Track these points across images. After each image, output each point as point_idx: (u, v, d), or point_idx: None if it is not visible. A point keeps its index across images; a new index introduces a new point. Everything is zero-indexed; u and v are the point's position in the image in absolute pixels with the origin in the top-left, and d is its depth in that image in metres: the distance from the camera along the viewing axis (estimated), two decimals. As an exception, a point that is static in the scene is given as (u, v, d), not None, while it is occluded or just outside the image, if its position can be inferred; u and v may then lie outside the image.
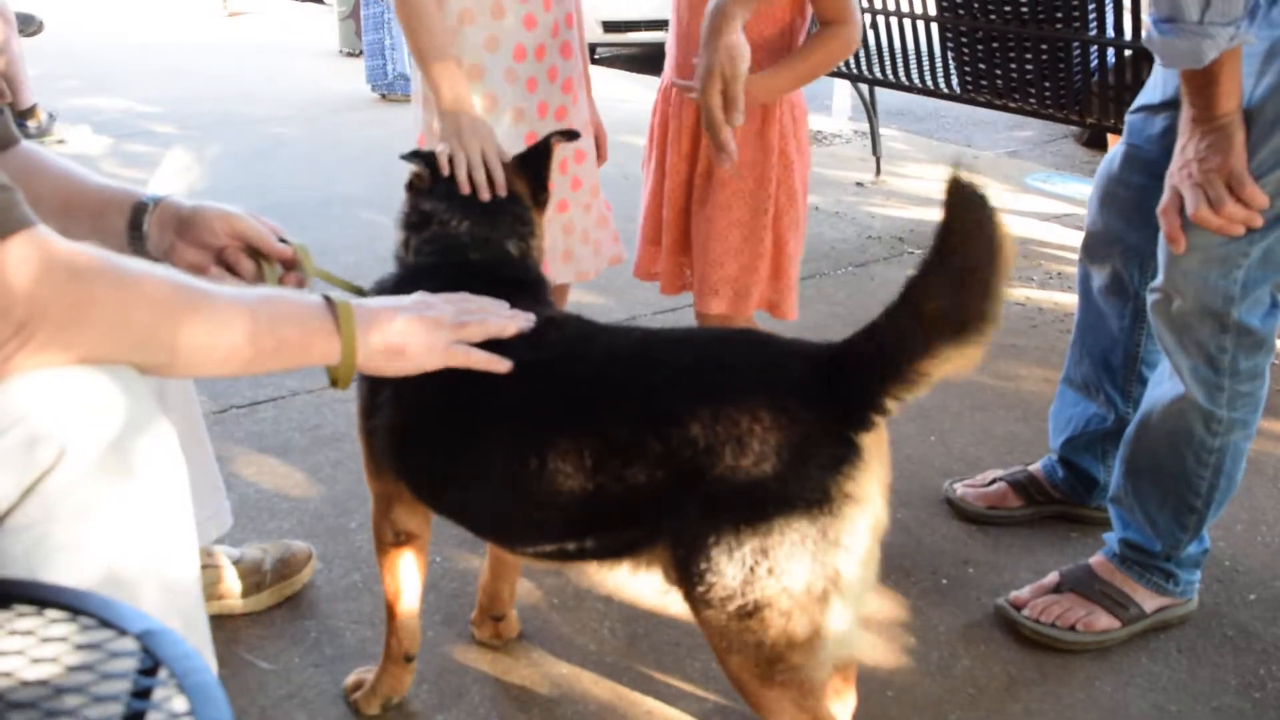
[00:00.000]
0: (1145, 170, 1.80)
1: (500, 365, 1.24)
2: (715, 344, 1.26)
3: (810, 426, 1.11)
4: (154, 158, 5.17)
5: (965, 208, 1.05)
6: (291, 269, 1.41)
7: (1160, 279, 1.63)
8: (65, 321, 0.98)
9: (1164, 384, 1.71)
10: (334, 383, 1.21)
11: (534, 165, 1.54)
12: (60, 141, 5.53)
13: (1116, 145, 1.88)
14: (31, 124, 5.47)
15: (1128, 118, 1.86)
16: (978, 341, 1.06)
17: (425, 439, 1.32)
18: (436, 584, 1.87)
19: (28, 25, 5.86)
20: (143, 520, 1.01)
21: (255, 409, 2.54)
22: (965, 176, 1.05)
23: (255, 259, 1.39)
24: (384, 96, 6.60)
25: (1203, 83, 1.43)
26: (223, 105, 6.53)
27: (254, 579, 1.81)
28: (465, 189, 1.49)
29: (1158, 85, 1.79)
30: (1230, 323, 1.59)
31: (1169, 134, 1.76)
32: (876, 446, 1.15)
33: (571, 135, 1.58)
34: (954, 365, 1.08)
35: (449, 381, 1.24)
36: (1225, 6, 1.35)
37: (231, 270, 1.38)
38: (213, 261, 1.38)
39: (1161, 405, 1.71)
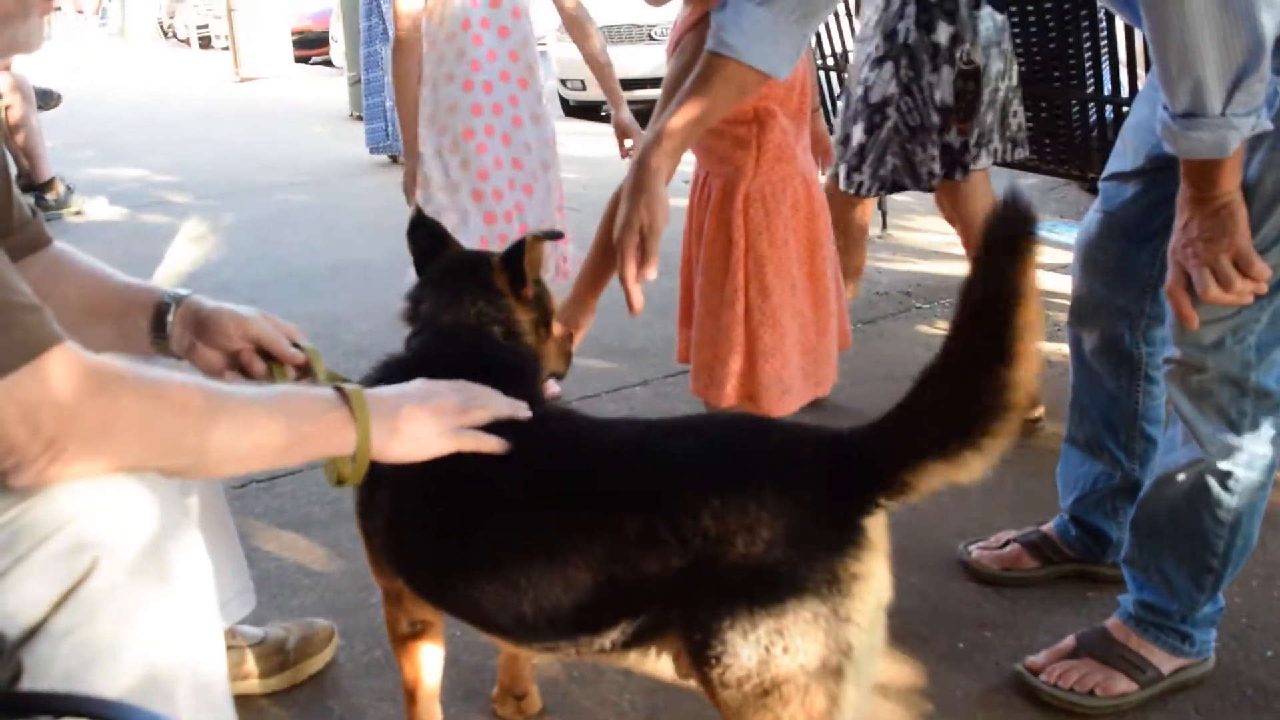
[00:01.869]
0: (1122, 235, 1.85)
1: (504, 447, 1.28)
2: (719, 432, 1.29)
3: (816, 512, 1.15)
4: (170, 228, 5.26)
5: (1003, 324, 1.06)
6: (304, 374, 1.43)
7: (1176, 352, 1.66)
8: (94, 434, 1.02)
9: (1179, 449, 1.74)
10: (340, 481, 1.23)
11: (512, 261, 1.51)
12: (78, 213, 5.63)
13: (1091, 212, 1.93)
14: (50, 196, 5.58)
15: (1101, 185, 1.91)
16: (980, 458, 1.10)
17: (425, 539, 1.33)
18: (457, 658, 1.89)
19: (47, 100, 5.99)
20: (177, 623, 1.05)
21: (274, 484, 2.58)
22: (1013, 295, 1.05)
23: (268, 362, 1.42)
24: (394, 159, 6.69)
25: (1209, 167, 1.44)
26: (236, 172, 6.64)
27: (277, 659, 1.84)
28: None
29: (1127, 153, 1.84)
30: (1250, 387, 1.63)
31: (1141, 198, 1.81)
32: (880, 527, 1.19)
33: (554, 235, 1.57)
34: (958, 475, 1.12)
35: (449, 480, 1.27)
36: (1247, 97, 1.36)
37: (245, 373, 1.41)
38: (228, 364, 1.41)
39: (1178, 467, 1.73)
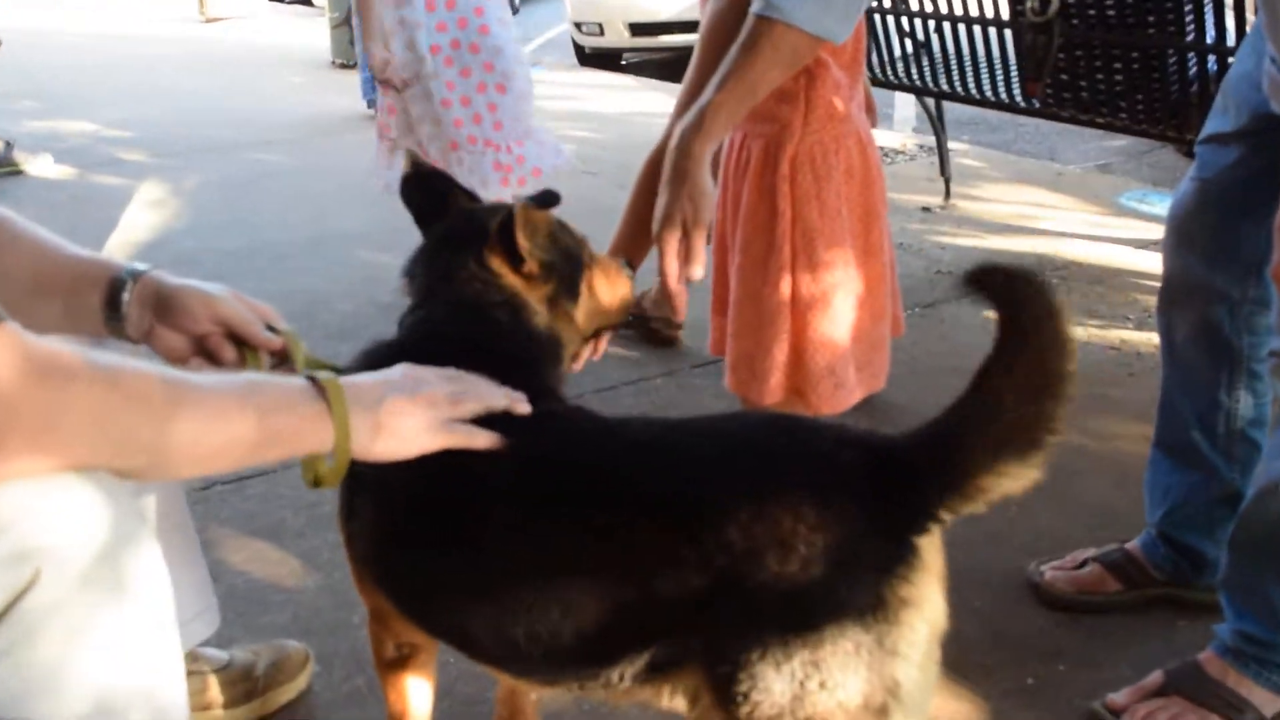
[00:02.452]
0: (1221, 206, 1.85)
1: (501, 442, 1.28)
2: (750, 433, 1.28)
3: (861, 525, 1.14)
4: (124, 190, 5.29)
5: (1026, 304, 1.11)
6: (281, 361, 1.44)
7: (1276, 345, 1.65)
8: (39, 428, 1.03)
9: (1276, 460, 1.73)
10: (316, 482, 1.24)
11: (505, 236, 1.46)
12: (18, 171, 5.67)
13: (1186, 180, 1.92)
14: (-15, 153, 5.62)
15: (1197, 148, 1.90)
16: (1041, 460, 1.13)
17: (410, 549, 1.34)
18: (452, 688, 1.90)
19: (-17, 43, 6.03)
20: (130, 642, 1.06)
21: (242, 485, 2.60)
22: (1018, 272, 1.12)
23: (240, 347, 1.43)
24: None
25: None
26: (201, 128, 6.67)
27: (244, 686, 1.85)
28: None
29: (1228, 111, 1.83)
30: None
31: (1243, 164, 1.80)
32: (934, 545, 1.18)
33: (549, 200, 1.54)
34: (1018, 484, 1.14)
35: (438, 485, 1.28)
36: None
37: (213, 359, 1.42)
38: (192, 349, 1.42)
39: (1277, 480, 1.73)
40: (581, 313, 1.56)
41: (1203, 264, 1.90)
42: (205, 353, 1.42)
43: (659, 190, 1.68)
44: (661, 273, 1.67)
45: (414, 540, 1.33)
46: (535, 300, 1.49)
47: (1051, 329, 1.10)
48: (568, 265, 1.52)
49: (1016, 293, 1.11)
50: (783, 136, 1.95)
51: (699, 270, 1.65)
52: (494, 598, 1.26)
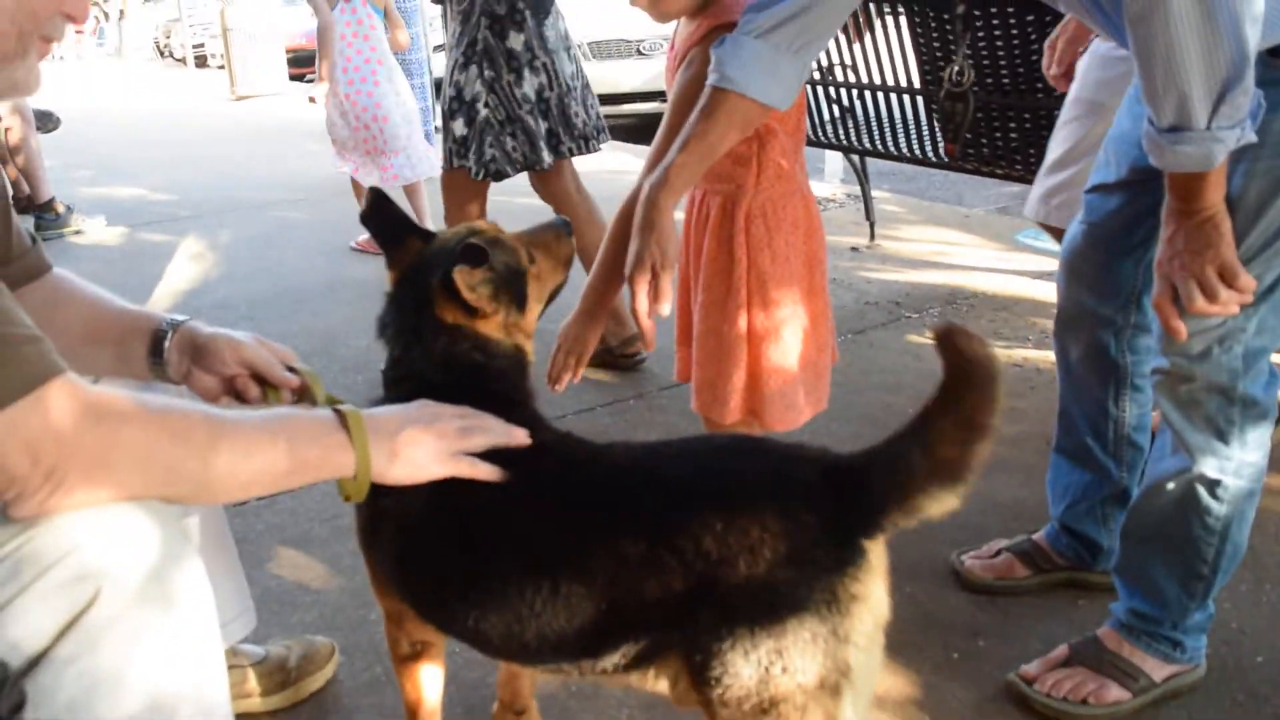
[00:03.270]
0: (1106, 246, 1.86)
1: (502, 475, 1.27)
2: (718, 455, 1.28)
3: (818, 532, 1.15)
4: (168, 246, 5.25)
5: (965, 357, 1.11)
6: (300, 398, 1.42)
7: (1164, 362, 1.65)
8: (94, 464, 1.01)
9: (1167, 458, 1.73)
10: (347, 497, 1.24)
11: (452, 294, 1.38)
12: (77, 232, 5.63)
13: (1075, 223, 1.93)
14: (49, 216, 5.56)
15: (1084, 196, 1.90)
16: (961, 491, 1.14)
17: (430, 564, 1.32)
18: (457, 675, 1.88)
19: (46, 122, 5.99)
20: (179, 649, 1.04)
21: (275, 500, 2.56)
22: (956, 328, 1.11)
23: (263, 386, 1.41)
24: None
25: (1192, 180, 1.43)
26: (232, 190, 6.63)
27: (278, 677, 1.82)
28: None
29: (1110, 165, 1.84)
30: (1237, 396, 1.62)
31: (1124, 210, 1.81)
32: (879, 548, 1.19)
33: (479, 254, 1.38)
34: (941, 508, 1.15)
35: (454, 510, 1.27)
36: (1232, 110, 1.34)
37: (241, 398, 1.41)
38: (223, 389, 1.40)
39: (1166, 476, 1.73)
40: (534, 306, 1.51)
41: (1091, 296, 1.91)
42: (234, 392, 1.40)
43: (631, 238, 1.67)
44: (633, 309, 1.66)
45: (434, 558, 1.32)
46: (494, 330, 1.43)
47: (989, 388, 1.11)
48: (514, 282, 1.46)
49: (969, 352, 1.11)
50: (738, 194, 1.94)
51: (666, 307, 1.65)
52: (508, 605, 1.24)
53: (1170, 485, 1.72)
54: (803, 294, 1.98)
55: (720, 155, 1.75)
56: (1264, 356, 1.62)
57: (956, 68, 2.80)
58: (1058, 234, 2.44)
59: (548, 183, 3.38)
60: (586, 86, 3.39)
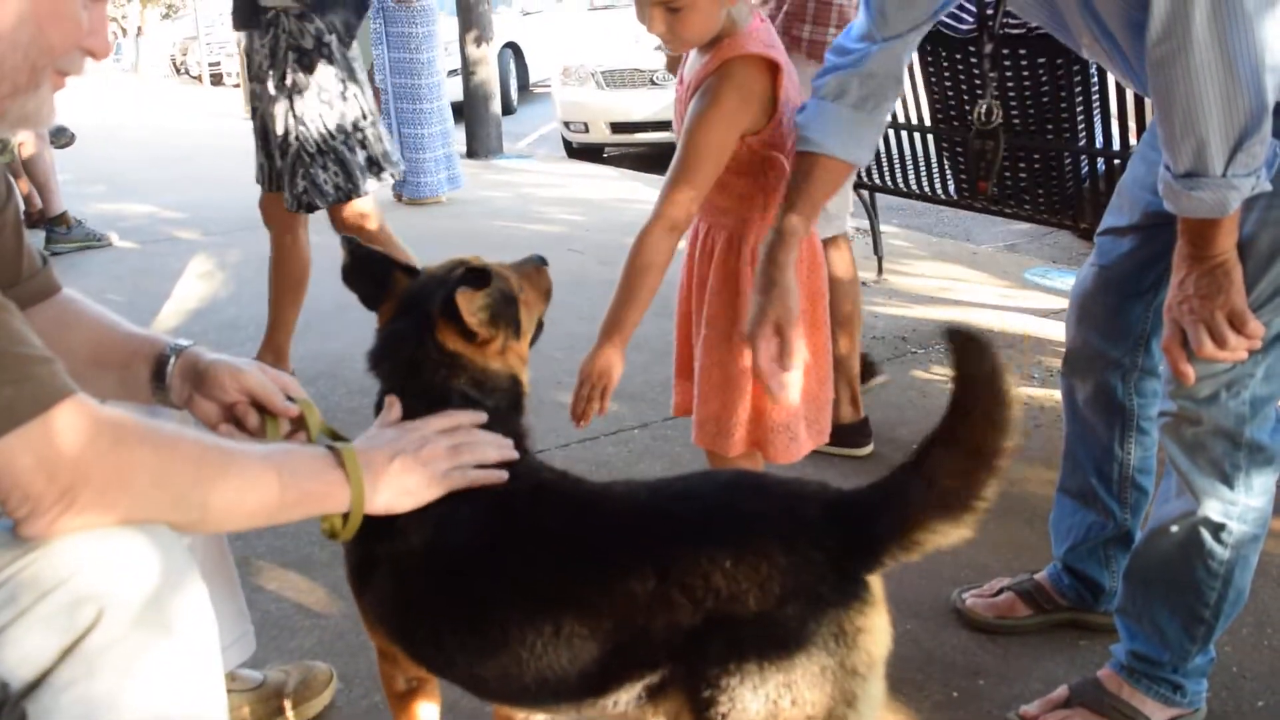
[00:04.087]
0: (1117, 289, 1.87)
1: (499, 476, 1.28)
2: (722, 493, 1.28)
3: (824, 567, 1.16)
4: (178, 264, 5.26)
5: (975, 372, 1.11)
6: (298, 427, 1.43)
7: (1171, 405, 1.66)
8: (107, 485, 1.02)
9: (1172, 501, 1.74)
10: (333, 535, 1.24)
11: (455, 318, 1.38)
12: (104, 244, 5.66)
13: (1086, 265, 1.94)
14: (60, 230, 5.60)
15: (1096, 239, 1.92)
16: (971, 521, 1.14)
17: (425, 611, 1.32)
18: (456, 704, 1.87)
19: (60, 137, 6.03)
20: (178, 676, 1.05)
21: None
22: (972, 337, 1.11)
23: (262, 414, 1.42)
24: (399, 198, 6.73)
25: (1206, 225, 1.45)
26: (243, 209, 6.56)
27: (275, 703, 1.82)
28: None
29: (1124, 209, 1.85)
30: (1243, 441, 1.63)
31: (1136, 253, 1.83)
32: (879, 582, 1.20)
33: (483, 277, 1.39)
34: (949, 539, 1.15)
35: (448, 549, 1.27)
36: (1248, 158, 1.36)
37: (240, 425, 1.41)
38: (223, 416, 1.41)
39: (1171, 519, 1.73)
40: (526, 334, 1.52)
41: (1100, 338, 1.91)
42: (234, 419, 1.41)
43: (751, 297, 1.74)
44: (756, 366, 1.70)
45: (428, 604, 1.32)
46: (492, 357, 1.43)
47: (997, 411, 1.10)
48: (508, 308, 1.46)
49: (979, 361, 1.11)
50: (744, 229, 1.96)
51: (795, 362, 1.68)
52: (508, 651, 1.24)
53: (1174, 528, 1.72)
54: (806, 328, 1.99)
55: (821, 208, 1.84)
56: (1271, 403, 1.63)
57: (985, 106, 2.85)
58: None
59: (342, 211, 3.37)
60: (378, 117, 3.44)
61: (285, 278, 3.52)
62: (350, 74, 3.27)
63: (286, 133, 3.23)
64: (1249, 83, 1.32)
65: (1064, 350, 2.02)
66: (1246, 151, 1.36)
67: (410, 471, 1.25)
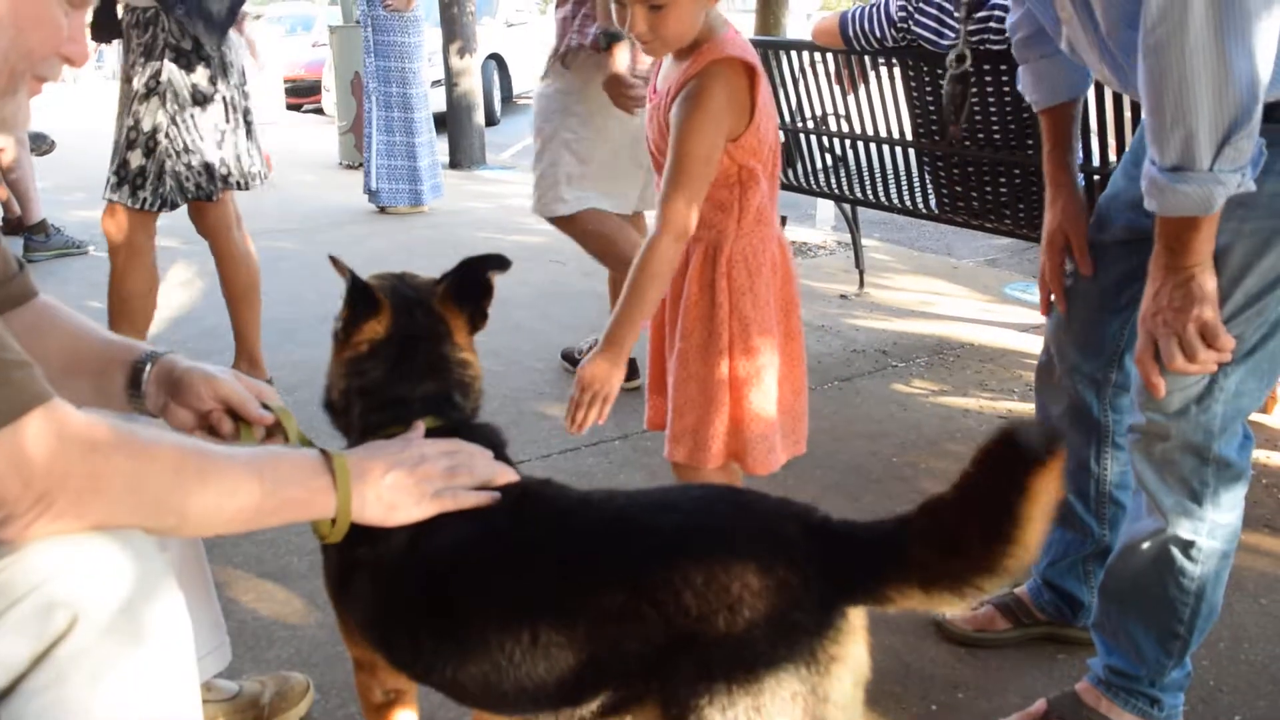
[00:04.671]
0: (1094, 305, 1.89)
1: (491, 498, 1.28)
2: (701, 508, 1.27)
3: (799, 592, 1.14)
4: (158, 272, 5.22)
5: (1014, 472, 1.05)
6: (272, 434, 1.42)
7: (1140, 419, 1.67)
8: (83, 491, 1.01)
9: (1143, 519, 1.74)
10: (323, 537, 1.24)
11: (472, 296, 1.49)
12: (84, 253, 5.62)
13: (1063, 279, 1.95)
14: (39, 238, 5.56)
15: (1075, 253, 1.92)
16: (967, 601, 1.11)
17: (406, 614, 1.31)
18: (434, 715, 1.86)
19: (40, 144, 5.99)
20: (150, 683, 1.03)
21: (253, 533, 2.52)
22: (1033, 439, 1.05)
23: (237, 422, 1.41)
24: (382, 209, 6.71)
25: (1184, 228, 1.44)
26: (225, 218, 6.61)
27: (251, 714, 1.81)
28: None
29: (1104, 224, 1.86)
30: (1211, 456, 1.63)
31: (1112, 269, 1.85)
32: (859, 610, 1.18)
33: (503, 264, 1.50)
34: (933, 607, 1.13)
35: (430, 553, 1.27)
36: (1235, 153, 1.36)
37: (215, 433, 1.40)
38: (198, 424, 1.40)
39: (1142, 537, 1.74)
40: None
41: (1076, 353, 1.92)
42: (209, 427, 1.40)
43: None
44: (1052, 276, 1.94)
45: (410, 608, 1.31)
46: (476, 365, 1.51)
47: (1024, 532, 1.05)
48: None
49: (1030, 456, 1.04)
50: (720, 240, 1.96)
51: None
52: (485, 658, 1.23)
53: (1145, 545, 1.73)
54: (781, 339, 2.00)
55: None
56: (1239, 418, 1.63)
57: (958, 54, 2.99)
58: None
59: (205, 215, 3.39)
60: (253, 124, 3.42)
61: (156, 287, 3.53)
62: (225, 76, 3.27)
63: (155, 130, 3.19)
64: (1241, 73, 1.32)
65: (1036, 366, 2.03)
66: (1234, 146, 1.36)
67: (402, 489, 1.24)
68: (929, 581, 1.11)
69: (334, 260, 1.49)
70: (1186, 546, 1.68)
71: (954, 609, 1.11)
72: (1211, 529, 1.67)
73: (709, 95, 1.81)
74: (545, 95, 3.41)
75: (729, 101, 1.83)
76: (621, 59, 3.10)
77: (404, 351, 1.44)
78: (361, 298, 1.44)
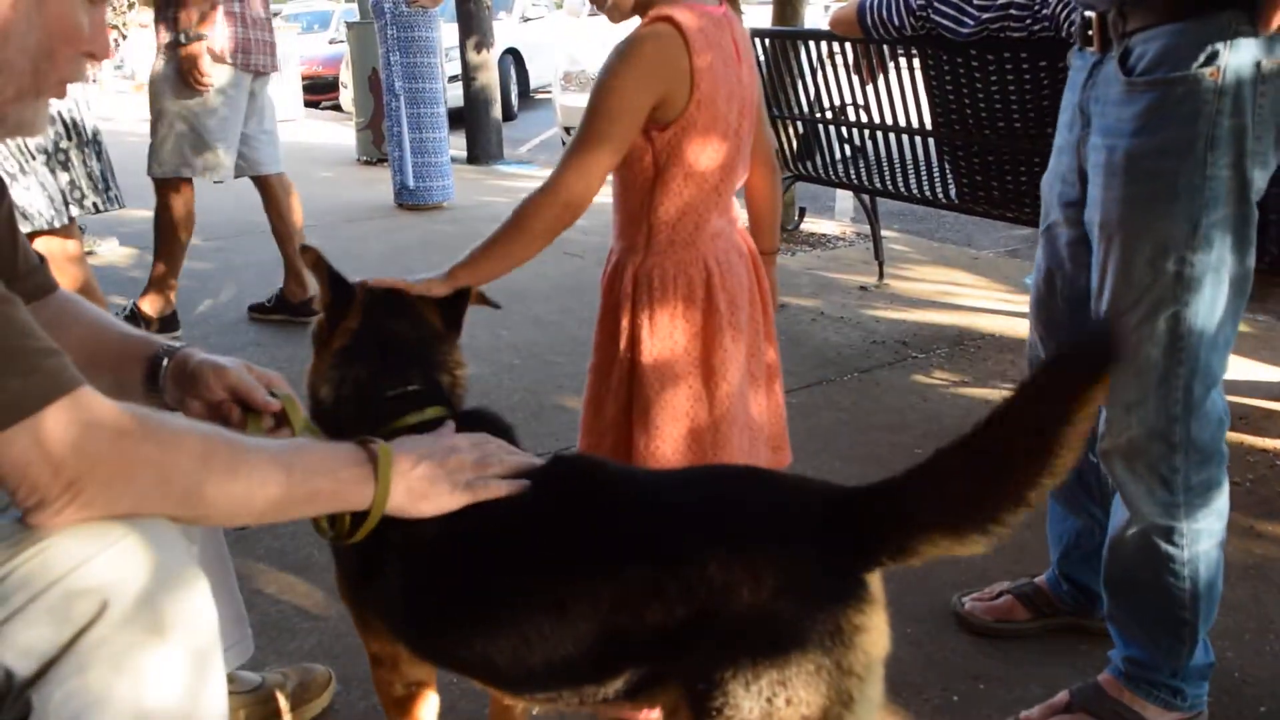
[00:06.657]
0: (1067, 292, 1.87)
1: (522, 486, 1.29)
2: (725, 483, 1.29)
3: (820, 563, 1.15)
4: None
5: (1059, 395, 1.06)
6: (280, 422, 1.42)
7: (1104, 412, 1.68)
8: (112, 479, 1.03)
9: (1120, 510, 1.75)
10: (338, 536, 1.24)
11: (454, 309, 1.58)
12: (89, 253, 5.65)
13: (1035, 269, 1.95)
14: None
15: (1040, 239, 1.93)
16: (983, 541, 1.10)
17: (437, 602, 1.32)
18: (455, 706, 1.87)
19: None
20: (173, 671, 1.04)
21: (275, 525, 2.56)
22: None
23: (245, 411, 1.41)
24: (401, 205, 6.73)
25: None
26: (245, 215, 6.63)
27: (273, 705, 1.82)
28: None
29: (1049, 208, 1.88)
30: (1177, 440, 1.64)
31: (1072, 245, 1.83)
32: (878, 580, 1.19)
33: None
34: (959, 551, 1.12)
35: (460, 531, 1.27)
36: None
37: (225, 424, 1.40)
38: (211, 415, 1.40)
39: (1123, 529, 1.75)
40: None
41: (1066, 339, 1.92)
42: (221, 418, 1.40)
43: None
44: None
45: (440, 587, 1.32)
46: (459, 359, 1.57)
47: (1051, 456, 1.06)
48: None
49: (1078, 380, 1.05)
50: (628, 256, 1.77)
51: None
52: (514, 635, 1.24)
53: (1129, 535, 1.74)
54: (700, 374, 1.77)
55: None
56: (1205, 399, 1.63)
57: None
58: None
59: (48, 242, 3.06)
60: (101, 144, 3.23)
61: None
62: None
63: None
64: None
65: (1025, 361, 2.02)
66: None
67: (434, 480, 1.25)
68: (956, 525, 1.11)
69: (304, 249, 1.56)
70: (1167, 533, 1.69)
71: (975, 550, 1.11)
72: (1189, 510, 1.67)
73: (634, 49, 1.62)
74: None
75: (659, 63, 1.62)
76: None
77: (388, 343, 1.51)
78: (339, 291, 1.52)
